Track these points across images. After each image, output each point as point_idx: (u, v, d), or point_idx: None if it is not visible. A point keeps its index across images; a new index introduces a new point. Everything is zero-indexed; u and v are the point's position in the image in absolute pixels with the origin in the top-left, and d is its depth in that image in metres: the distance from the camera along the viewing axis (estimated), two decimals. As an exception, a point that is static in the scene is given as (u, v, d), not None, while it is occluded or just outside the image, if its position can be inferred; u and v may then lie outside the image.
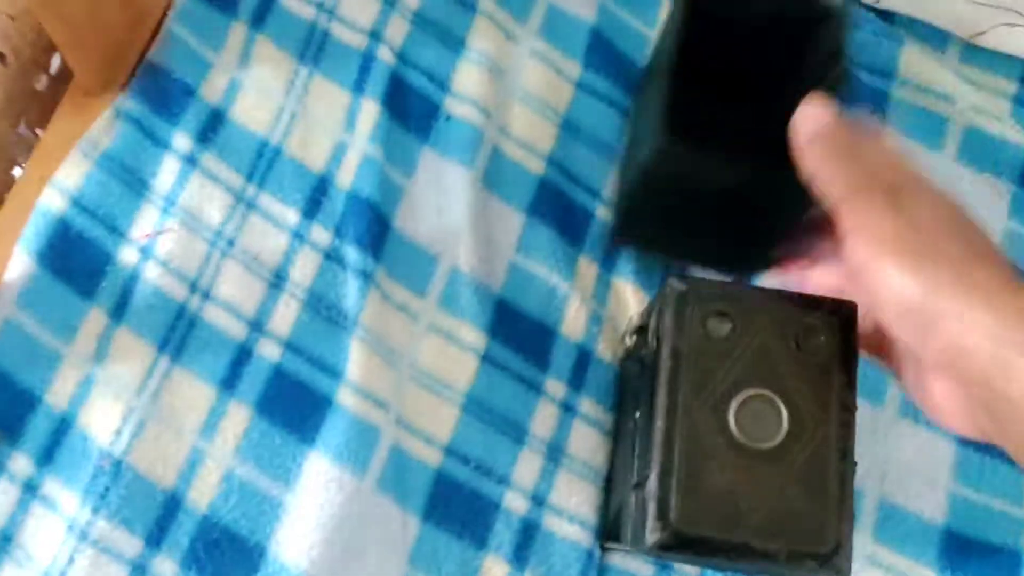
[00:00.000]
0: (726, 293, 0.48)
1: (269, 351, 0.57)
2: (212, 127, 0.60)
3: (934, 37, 0.69)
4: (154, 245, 0.57)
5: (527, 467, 0.57)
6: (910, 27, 0.69)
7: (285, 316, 0.57)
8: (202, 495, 0.54)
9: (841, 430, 0.46)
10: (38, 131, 0.62)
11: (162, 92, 0.60)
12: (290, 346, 0.57)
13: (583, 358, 0.60)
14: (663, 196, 0.55)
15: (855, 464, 0.46)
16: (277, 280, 0.58)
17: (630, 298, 0.62)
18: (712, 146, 0.49)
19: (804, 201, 0.46)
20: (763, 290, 0.48)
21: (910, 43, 0.68)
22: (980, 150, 0.66)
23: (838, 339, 0.47)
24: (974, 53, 0.69)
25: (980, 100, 0.67)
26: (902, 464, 0.60)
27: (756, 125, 0.52)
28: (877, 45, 0.68)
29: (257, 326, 0.57)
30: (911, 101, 0.67)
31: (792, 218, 0.50)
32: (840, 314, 0.48)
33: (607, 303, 0.62)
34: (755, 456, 0.45)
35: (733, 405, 0.46)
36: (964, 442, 0.61)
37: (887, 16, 0.69)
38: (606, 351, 0.61)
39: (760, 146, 0.48)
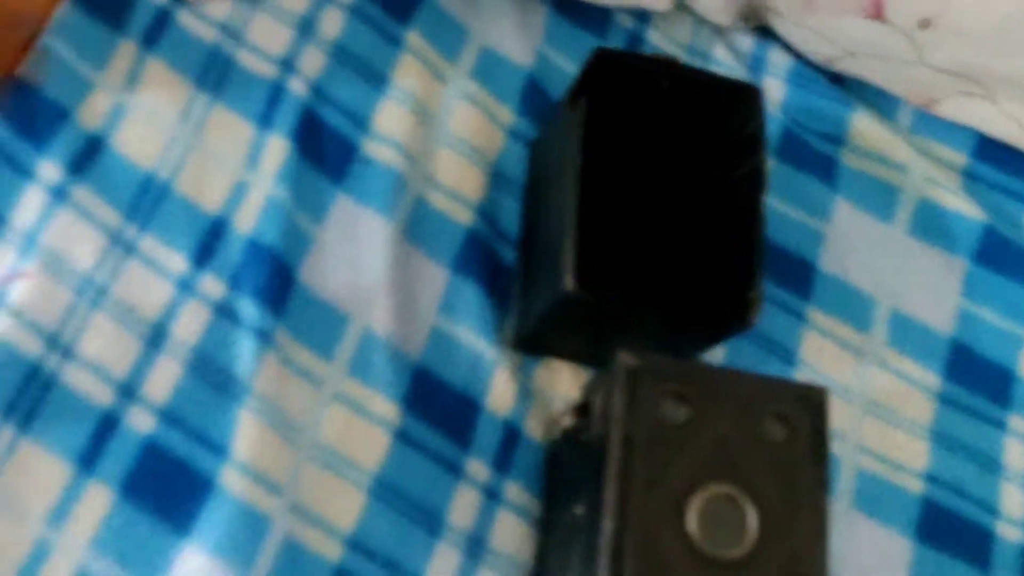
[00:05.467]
0: (683, 373, 0.42)
1: (140, 421, 0.48)
2: (88, 156, 0.52)
3: (886, 103, 0.66)
4: (6, 292, 0.48)
5: (443, 564, 0.50)
6: (861, 92, 0.66)
7: (163, 380, 0.49)
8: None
9: (815, 537, 0.40)
10: None
11: (29, 113, 0.51)
12: (166, 416, 0.48)
13: (510, 436, 0.53)
14: (573, 326, 0.51)
15: (829, 576, 0.40)
16: (156, 337, 0.49)
17: (564, 368, 0.55)
18: (621, 286, 0.48)
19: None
20: (724, 371, 0.43)
21: (861, 108, 0.64)
22: (933, 223, 0.63)
23: (807, 429, 0.41)
24: (927, 122, 0.66)
25: (933, 171, 0.64)
26: (857, 564, 0.54)
27: (682, 232, 0.49)
28: (826, 109, 0.64)
29: (128, 391, 0.48)
30: (862, 169, 0.64)
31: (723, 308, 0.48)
32: (809, 400, 0.42)
33: (538, 374, 0.55)
34: (720, 567, 0.39)
35: (693, 505, 0.39)
36: (922, 539, 0.56)
37: (838, 79, 0.65)
38: (537, 429, 0.54)
39: (688, 261, 0.48)
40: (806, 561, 0.39)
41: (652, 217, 0.50)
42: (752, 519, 0.39)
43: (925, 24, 0.57)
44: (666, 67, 0.53)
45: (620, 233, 0.50)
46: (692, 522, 0.39)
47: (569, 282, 0.46)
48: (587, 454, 0.44)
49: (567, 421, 0.49)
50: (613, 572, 0.38)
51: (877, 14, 0.58)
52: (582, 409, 0.46)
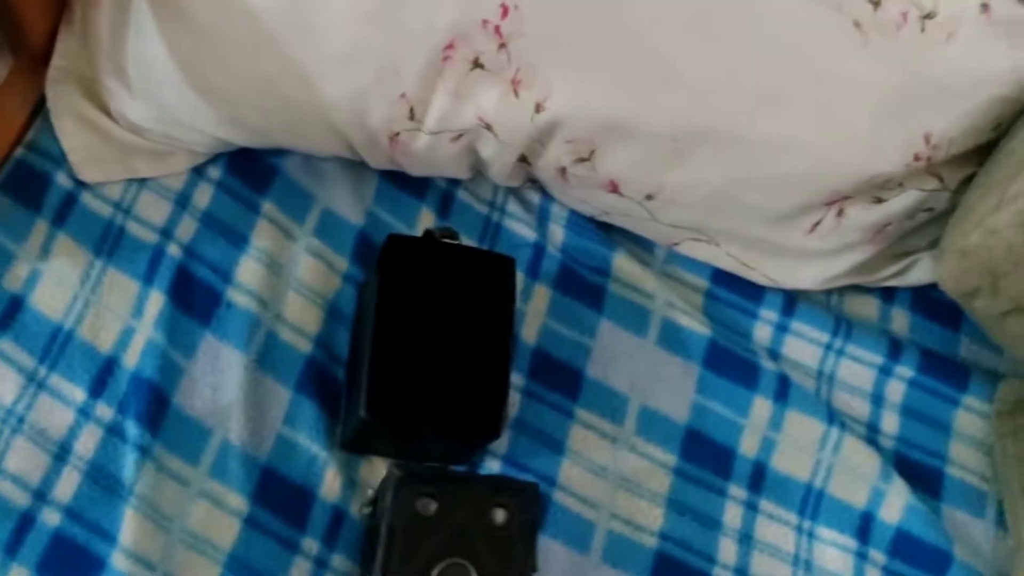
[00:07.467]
0: (434, 478, 0.60)
1: (50, 518, 0.64)
2: (10, 314, 0.68)
3: (646, 243, 0.85)
4: (-54, 425, 0.64)
5: (280, 618, 0.67)
6: (627, 234, 0.85)
7: (67, 486, 0.65)
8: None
9: (520, 589, 0.58)
10: None
11: (-36, 283, 0.68)
12: (70, 513, 0.65)
13: (337, 518, 0.70)
14: (376, 437, 0.69)
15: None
16: (62, 453, 0.66)
17: (382, 464, 0.73)
18: (409, 409, 0.65)
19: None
20: (464, 474, 0.61)
21: (621, 249, 0.83)
22: (674, 338, 0.82)
23: (521, 513, 0.60)
24: (676, 257, 0.85)
25: (676, 297, 0.83)
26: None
27: (451, 367, 0.67)
28: (595, 250, 0.83)
29: (40, 495, 0.65)
30: (622, 296, 0.82)
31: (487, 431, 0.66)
32: (525, 493, 0.60)
33: (362, 468, 0.73)
34: (449, 614, 0.57)
35: (435, 572, 0.57)
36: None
37: (606, 227, 0.84)
38: (358, 512, 0.71)
39: (455, 389, 0.65)
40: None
41: (437, 354, 0.68)
42: (475, 580, 0.57)
43: (650, 197, 0.77)
44: (445, 244, 0.71)
45: (412, 367, 0.67)
46: (433, 584, 0.57)
47: (362, 410, 0.64)
48: (373, 535, 0.61)
49: (366, 510, 0.66)
50: (375, 621, 0.56)
51: (615, 190, 0.77)
52: (373, 502, 0.64)
